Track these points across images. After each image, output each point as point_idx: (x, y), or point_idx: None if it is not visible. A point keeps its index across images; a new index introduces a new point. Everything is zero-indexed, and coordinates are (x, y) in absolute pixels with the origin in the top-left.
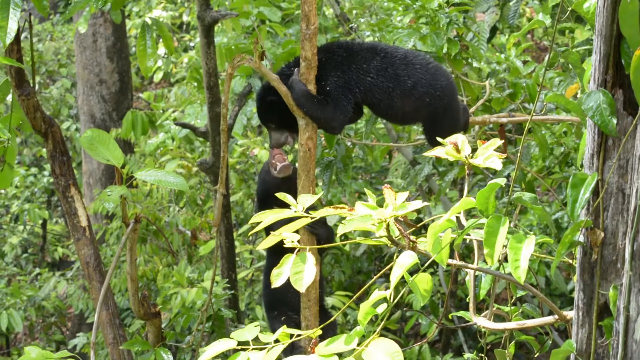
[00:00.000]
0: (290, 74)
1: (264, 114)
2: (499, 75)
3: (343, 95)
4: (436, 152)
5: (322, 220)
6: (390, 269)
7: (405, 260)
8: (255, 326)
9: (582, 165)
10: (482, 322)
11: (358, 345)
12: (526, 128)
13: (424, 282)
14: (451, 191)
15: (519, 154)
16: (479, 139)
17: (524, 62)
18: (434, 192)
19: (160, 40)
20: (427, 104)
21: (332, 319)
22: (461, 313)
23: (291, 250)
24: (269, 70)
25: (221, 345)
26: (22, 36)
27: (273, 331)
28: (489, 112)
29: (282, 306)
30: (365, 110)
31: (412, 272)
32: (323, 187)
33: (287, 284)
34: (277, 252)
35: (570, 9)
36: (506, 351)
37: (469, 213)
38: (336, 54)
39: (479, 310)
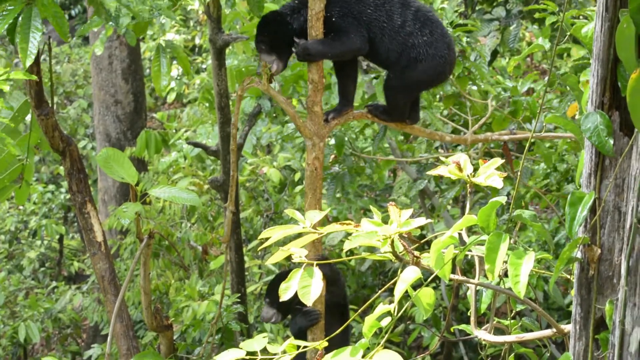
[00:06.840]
0: (297, 7)
1: (259, 35)
2: (502, 96)
3: (349, 22)
4: (439, 170)
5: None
6: (394, 283)
7: (408, 275)
8: (264, 337)
9: (580, 184)
10: (483, 335)
11: (363, 357)
12: (527, 145)
13: (426, 296)
14: (453, 208)
15: (519, 172)
16: (481, 157)
17: (517, 78)
18: (436, 209)
19: (175, 61)
20: (411, 45)
21: (337, 331)
22: (462, 326)
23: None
24: (277, 92)
25: (230, 354)
26: (42, 58)
27: None
28: (491, 130)
29: None
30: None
31: (416, 286)
32: (327, 201)
33: None
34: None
35: (568, 33)
36: None
37: (471, 230)
38: None
39: (479, 324)
